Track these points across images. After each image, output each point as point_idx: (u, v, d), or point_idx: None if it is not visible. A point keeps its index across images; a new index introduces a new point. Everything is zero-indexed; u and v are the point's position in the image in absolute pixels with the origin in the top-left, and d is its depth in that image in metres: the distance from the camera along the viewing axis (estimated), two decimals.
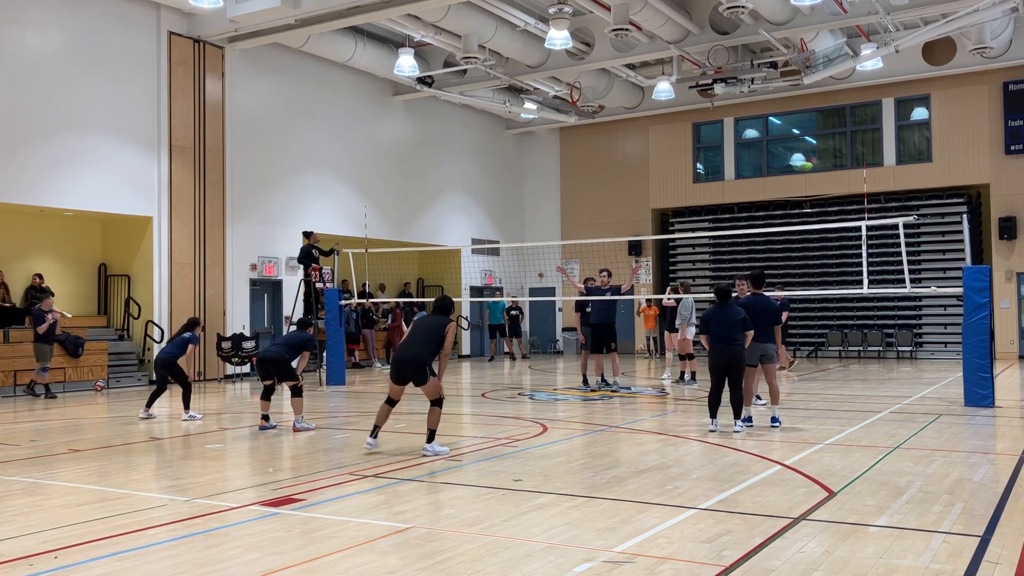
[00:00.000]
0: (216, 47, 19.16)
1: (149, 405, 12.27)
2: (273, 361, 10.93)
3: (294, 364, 11.11)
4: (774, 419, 10.48)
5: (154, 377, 17.54)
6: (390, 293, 24.37)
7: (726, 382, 10.05)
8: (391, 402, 8.88)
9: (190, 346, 12.28)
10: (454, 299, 27.04)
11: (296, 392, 10.93)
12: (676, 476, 7.53)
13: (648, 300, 24.31)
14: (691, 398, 14.04)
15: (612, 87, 24.41)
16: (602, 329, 15.31)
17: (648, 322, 24.96)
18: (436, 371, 8.80)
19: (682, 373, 16.43)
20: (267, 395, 11.13)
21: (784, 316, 12.63)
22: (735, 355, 9.86)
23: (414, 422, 11.43)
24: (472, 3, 18.71)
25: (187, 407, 12.16)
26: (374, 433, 8.93)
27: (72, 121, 16.67)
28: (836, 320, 25.10)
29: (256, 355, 11.42)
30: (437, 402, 8.72)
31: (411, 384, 8.80)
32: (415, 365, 8.62)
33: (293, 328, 11.72)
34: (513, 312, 25.72)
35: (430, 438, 8.71)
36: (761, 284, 10.96)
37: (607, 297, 15.27)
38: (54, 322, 15.52)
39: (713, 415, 10.13)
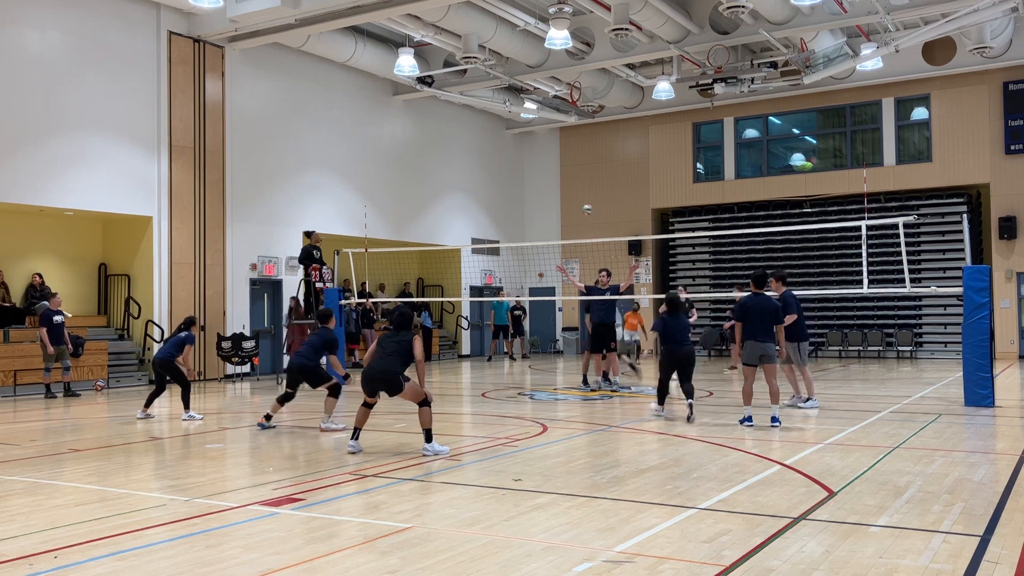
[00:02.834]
0: (216, 47, 19.16)
1: (148, 405, 12.25)
2: (302, 371, 10.74)
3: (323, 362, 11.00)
4: (774, 419, 10.50)
5: (153, 377, 17.70)
6: (390, 293, 24.36)
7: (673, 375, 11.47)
8: (368, 404, 8.96)
9: (187, 346, 12.17)
10: (454, 299, 27.00)
11: (333, 392, 10.75)
12: (676, 476, 7.53)
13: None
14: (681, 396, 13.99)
15: (612, 87, 24.41)
16: (602, 329, 15.34)
17: (630, 326, 24.57)
18: (410, 379, 8.75)
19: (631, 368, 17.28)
20: (284, 400, 11.00)
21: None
22: (689, 354, 11.28)
23: (415, 422, 11.42)
24: (472, 3, 18.71)
25: (187, 407, 12.15)
26: (355, 435, 8.90)
27: (72, 121, 16.67)
28: (836, 320, 25.10)
29: (288, 365, 11.31)
30: (424, 403, 8.71)
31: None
32: (385, 376, 8.59)
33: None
34: (516, 312, 25.71)
35: (428, 438, 8.69)
36: (762, 284, 10.99)
37: (606, 297, 15.33)
38: (62, 321, 15.52)
39: (661, 401, 11.54)
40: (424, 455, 8.59)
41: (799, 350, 12.46)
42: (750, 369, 10.71)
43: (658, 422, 11.28)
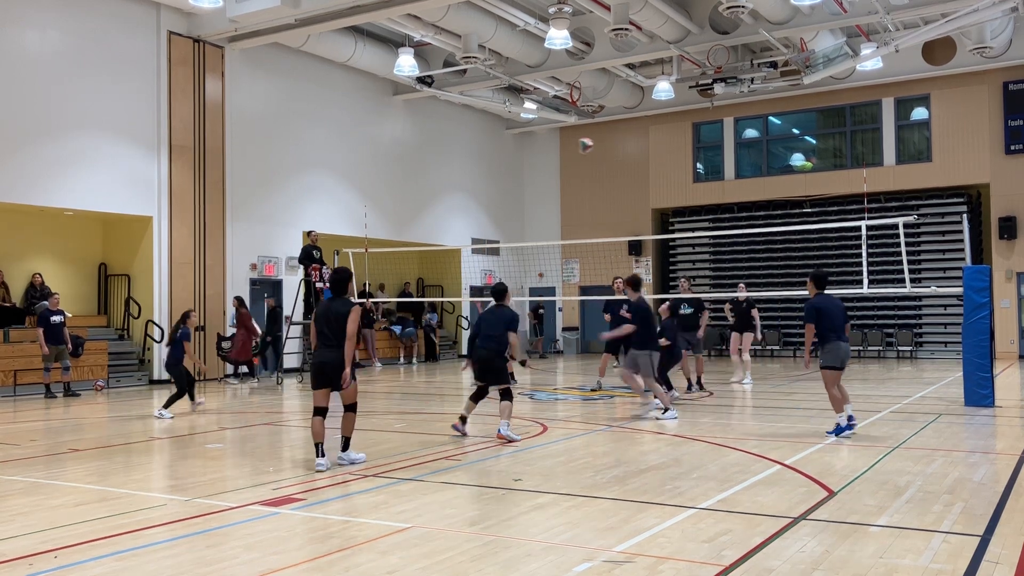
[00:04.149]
0: (216, 47, 19.16)
1: (193, 400, 12.90)
2: (486, 363, 9.72)
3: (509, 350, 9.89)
4: (851, 417, 9.66)
5: (155, 376, 17.71)
6: (390, 293, 24.38)
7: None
8: (322, 412, 8.09)
9: (184, 343, 12.40)
10: (454, 299, 26.91)
11: (506, 395, 9.77)
12: (676, 476, 7.53)
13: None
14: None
15: (612, 87, 24.41)
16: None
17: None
18: (356, 378, 8.21)
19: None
20: (477, 397, 9.98)
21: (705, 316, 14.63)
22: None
23: (415, 422, 11.44)
24: (472, 3, 18.71)
25: (167, 406, 12.31)
26: (319, 452, 8.02)
27: (72, 121, 16.67)
28: None
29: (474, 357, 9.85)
30: (352, 407, 8.23)
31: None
32: (336, 367, 7.96)
33: (490, 303, 10.21)
34: (539, 311, 25.68)
35: (345, 446, 8.20)
36: (824, 284, 10.09)
37: (609, 299, 15.51)
38: (63, 321, 15.51)
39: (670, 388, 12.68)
40: (340, 463, 8.12)
41: (650, 359, 11.44)
42: (835, 374, 9.67)
43: (655, 421, 11.28)
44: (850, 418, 9.68)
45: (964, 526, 5.75)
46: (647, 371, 11.44)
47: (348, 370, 7.95)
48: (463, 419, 9.89)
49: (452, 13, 18.38)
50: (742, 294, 16.39)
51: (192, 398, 12.94)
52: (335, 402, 8.31)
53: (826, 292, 10.15)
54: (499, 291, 10.18)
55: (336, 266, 8.89)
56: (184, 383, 12.56)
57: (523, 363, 10.28)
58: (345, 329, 7.96)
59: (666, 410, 11.36)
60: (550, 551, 5.23)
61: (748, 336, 16.15)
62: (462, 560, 5.05)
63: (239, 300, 18.55)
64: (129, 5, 17.72)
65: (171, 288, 18.12)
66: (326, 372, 8.05)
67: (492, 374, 9.75)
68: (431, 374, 20.60)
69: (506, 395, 9.77)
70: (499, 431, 9.60)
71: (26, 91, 16.01)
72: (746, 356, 16.29)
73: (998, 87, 22.97)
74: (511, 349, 9.76)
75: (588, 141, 14.76)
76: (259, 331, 18.80)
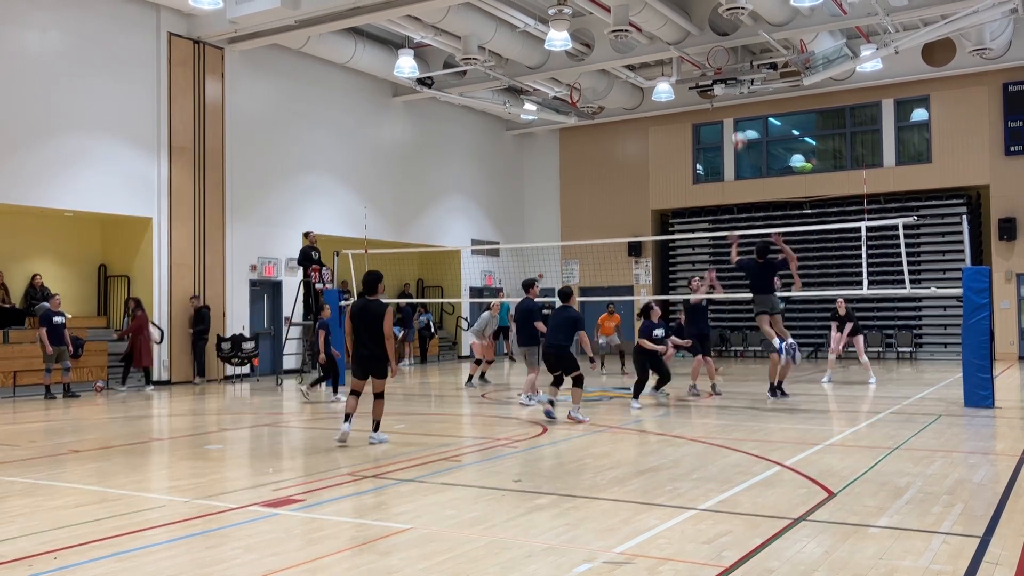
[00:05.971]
0: (216, 48, 19.16)
1: (334, 389, 14.38)
2: (559, 357, 11.42)
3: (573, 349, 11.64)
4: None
5: (154, 377, 17.68)
6: (390, 294, 24.38)
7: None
8: (356, 394, 9.58)
9: (321, 332, 13.99)
10: (454, 300, 26.82)
11: (577, 382, 11.32)
12: (676, 477, 7.53)
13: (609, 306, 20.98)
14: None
15: (612, 88, 24.41)
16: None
17: (606, 330, 20.24)
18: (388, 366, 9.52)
19: (470, 376, 17.50)
20: (557, 382, 11.67)
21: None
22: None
23: (414, 422, 11.45)
24: (472, 4, 18.71)
25: (312, 385, 14.64)
26: (346, 419, 9.46)
27: (72, 121, 16.67)
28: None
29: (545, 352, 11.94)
30: (380, 395, 9.50)
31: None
32: (376, 361, 9.38)
33: (555, 303, 12.13)
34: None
35: (376, 427, 9.52)
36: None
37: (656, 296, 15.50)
38: (62, 322, 15.49)
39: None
40: (371, 443, 9.37)
41: (536, 354, 13.52)
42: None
43: (657, 422, 11.29)
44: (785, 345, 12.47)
45: (964, 527, 5.75)
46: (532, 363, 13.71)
47: (394, 365, 9.51)
48: (551, 403, 11.49)
49: (452, 14, 18.39)
50: (843, 294, 17.39)
51: (335, 390, 14.27)
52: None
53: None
54: (565, 293, 11.77)
55: (356, 269, 10.21)
56: (330, 370, 14.20)
57: (592, 360, 11.73)
58: (382, 330, 9.30)
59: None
60: (550, 552, 5.23)
61: (855, 337, 16.91)
62: (462, 561, 5.05)
63: (136, 301, 17.32)
64: (129, 6, 17.73)
65: (171, 289, 18.12)
66: (366, 366, 9.39)
67: (563, 365, 11.45)
68: (430, 374, 20.59)
69: (578, 382, 11.30)
70: (569, 413, 11.16)
71: (26, 91, 16.01)
72: (833, 356, 17.40)
73: (998, 88, 22.98)
74: (582, 345, 11.42)
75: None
76: (156, 337, 17.34)
